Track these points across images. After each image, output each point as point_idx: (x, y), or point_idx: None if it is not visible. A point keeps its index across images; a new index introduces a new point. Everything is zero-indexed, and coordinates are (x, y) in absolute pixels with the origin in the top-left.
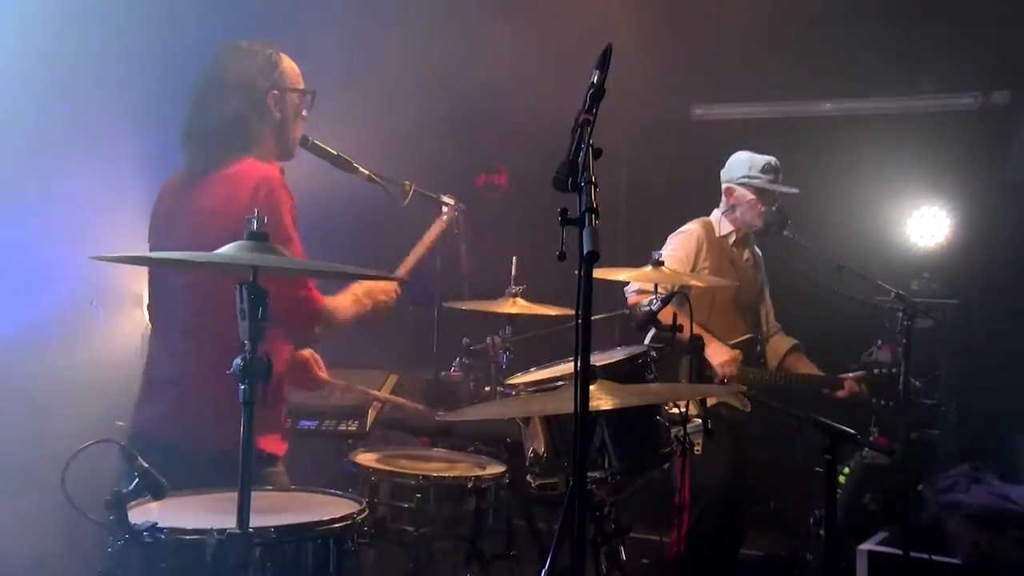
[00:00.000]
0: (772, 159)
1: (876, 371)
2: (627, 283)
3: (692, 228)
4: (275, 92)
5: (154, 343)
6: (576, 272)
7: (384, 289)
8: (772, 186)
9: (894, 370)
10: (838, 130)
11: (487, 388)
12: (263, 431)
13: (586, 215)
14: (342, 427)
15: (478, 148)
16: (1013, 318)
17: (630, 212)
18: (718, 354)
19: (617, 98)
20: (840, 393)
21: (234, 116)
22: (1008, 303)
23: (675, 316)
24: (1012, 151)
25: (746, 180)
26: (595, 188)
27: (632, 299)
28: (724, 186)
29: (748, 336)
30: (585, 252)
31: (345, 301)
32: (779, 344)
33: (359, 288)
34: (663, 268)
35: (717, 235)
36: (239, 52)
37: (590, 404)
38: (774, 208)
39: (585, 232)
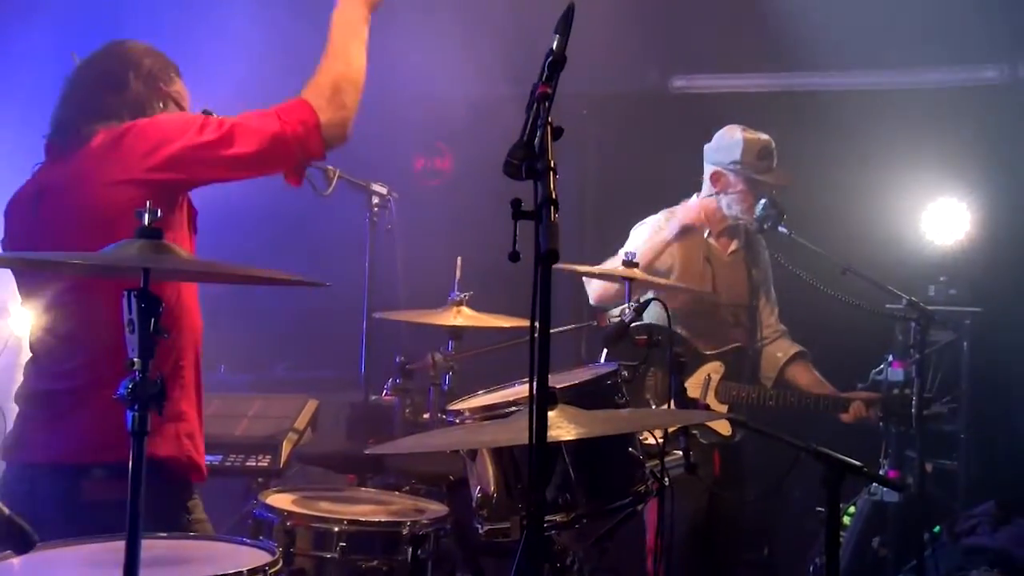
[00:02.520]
0: (768, 140)
1: (892, 391)
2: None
3: (656, 219)
4: (164, 90)
5: (30, 361)
6: (532, 275)
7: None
8: (768, 177)
9: (908, 391)
10: (840, 107)
11: (426, 415)
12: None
13: (544, 207)
14: (251, 462)
15: (416, 126)
16: None
17: (598, 203)
18: None
19: (582, 67)
20: (844, 416)
21: (115, 78)
22: None
23: (651, 329)
24: None
25: (736, 167)
26: (555, 175)
27: (596, 294)
28: (709, 169)
29: (734, 346)
30: (542, 251)
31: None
32: (779, 351)
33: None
34: (635, 270)
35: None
36: (141, 46)
37: (549, 434)
38: (767, 201)
39: (542, 227)
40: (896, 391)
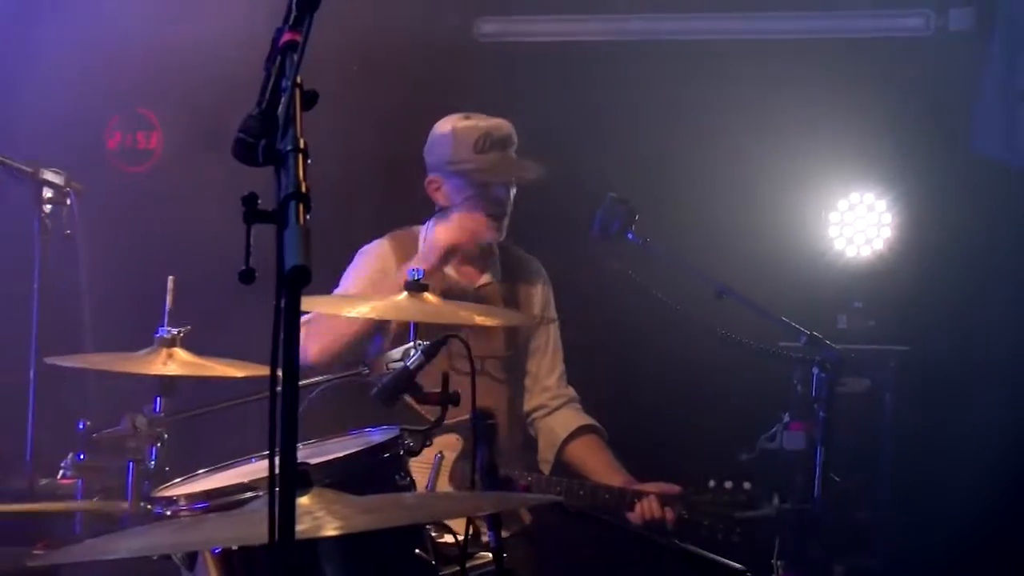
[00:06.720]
0: (496, 125)
1: (728, 486)
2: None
3: (378, 243)
4: None
5: None
6: (274, 303)
7: None
8: (490, 173)
9: (747, 486)
10: (715, 65)
11: (124, 504)
12: None
13: (290, 205)
14: None
15: (111, 86)
16: (992, 375)
17: (373, 199)
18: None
19: (351, 6)
20: (631, 516)
21: None
22: (986, 350)
23: (446, 377)
24: (974, 108)
25: (451, 168)
26: (306, 159)
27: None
28: (428, 177)
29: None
30: (287, 269)
31: None
32: (559, 424)
33: None
34: (427, 295)
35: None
36: None
37: (299, 529)
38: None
39: (288, 234)
40: (729, 485)
